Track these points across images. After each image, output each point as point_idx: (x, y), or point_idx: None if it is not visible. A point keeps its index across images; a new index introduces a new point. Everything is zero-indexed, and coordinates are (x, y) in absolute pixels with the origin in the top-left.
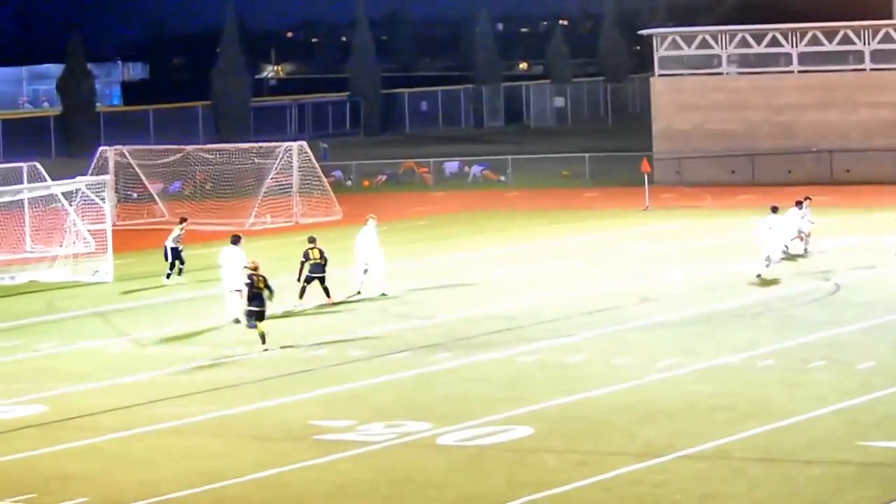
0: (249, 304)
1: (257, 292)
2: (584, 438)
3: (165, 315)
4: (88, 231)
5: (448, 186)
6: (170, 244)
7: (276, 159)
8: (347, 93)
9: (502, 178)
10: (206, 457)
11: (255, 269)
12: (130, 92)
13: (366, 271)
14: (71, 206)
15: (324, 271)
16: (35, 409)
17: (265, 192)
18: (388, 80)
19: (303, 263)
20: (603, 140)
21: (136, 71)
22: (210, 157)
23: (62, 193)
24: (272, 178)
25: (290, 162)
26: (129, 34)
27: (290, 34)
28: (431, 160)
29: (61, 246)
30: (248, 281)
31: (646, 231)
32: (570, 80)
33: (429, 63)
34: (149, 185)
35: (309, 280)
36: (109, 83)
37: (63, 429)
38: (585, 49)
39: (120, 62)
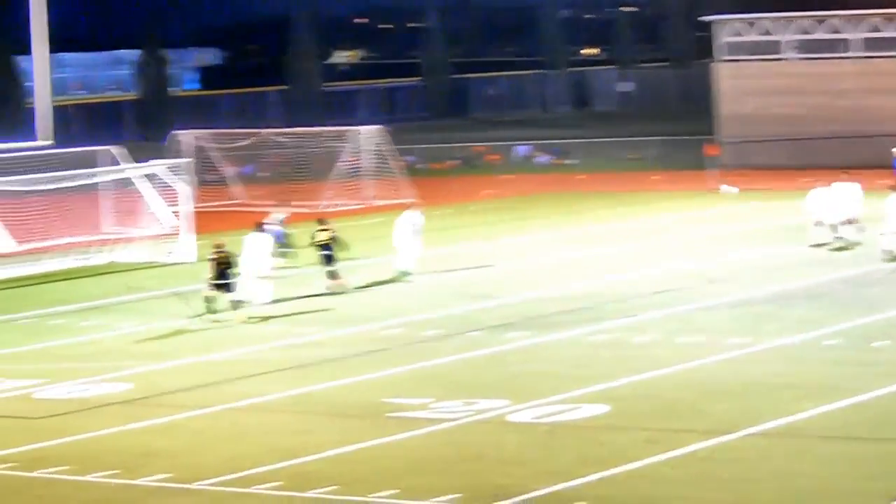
0: (218, 278)
1: (224, 269)
2: (653, 416)
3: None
4: (166, 213)
5: (517, 170)
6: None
7: (348, 143)
8: (417, 78)
9: (569, 162)
10: (284, 433)
11: (221, 247)
12: (205, 77)
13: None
14: (149, 188)
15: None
16: (120, 386)
17: (338, 176)
18: (457, 65)
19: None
20: (668, 124)
21: (211, 56)
22: (284, 140)
23: (140, 176)
24: (345, 162)
25: (365, 146)
26: (205, 20)
27: (361, 20)
28: (501, 144)
29: (139, 228)
30: (213, 258)
31: (711, 213)
32: (635, 66)
33: (496, 49)
34: (224, 168)
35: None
36: (185, 68)
37: (147, 406)
38: (650, 34)
39: (195, 48)
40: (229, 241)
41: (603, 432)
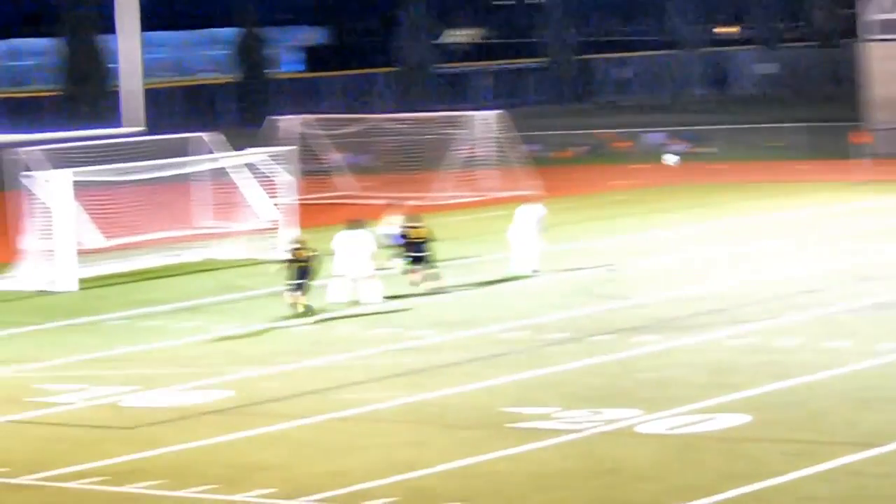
0: (295, 278)
1: (302, 266)
2: (799, 427)
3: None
4: (266, 205)
5: (649, 159)
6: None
7: (467, 129)
8: (541, 59)
9: (706, 150)
10: (395, 445)
11: (302, 243)
12: (310, 57)
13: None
14: (248, 178)
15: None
16: (218, 393)
17: (455, 165)
18: (583, 45)
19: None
20: (813, 109)
21: (317, 35)
22: (395, 126)
23: (238, 165)
24: (463, 150)
25: (483, 132)
26: None
27: None
28: (631, 130)
29: (237, 222)
30: (291, 255)
31: (861, 206)
32: (778, 46)
33: (626, 27)
34: (330, 157)
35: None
36: (288, 48)
37: (247, 415)
38: (794, 11)
39: (298, 26)
40: (329, 236)
41: (743, 444)
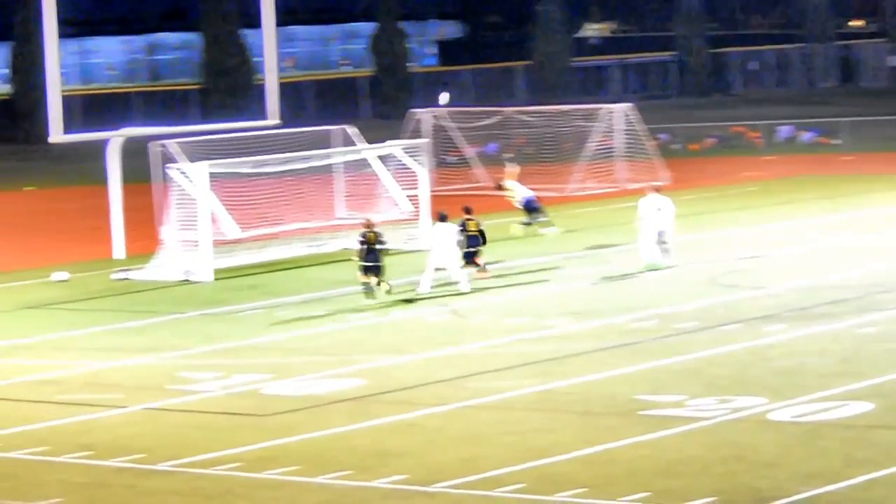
0: (364, 260)
1: (372, 248)
2: None
3: (487, 284)
4: (404, 197)
5: (779, 150)
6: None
7: (599, 121)
8: (673, 52)
9: (835, 142)
10: (528, 432)
11: (370, 226)
12: (445, 51)
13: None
14: (385, 170)
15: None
16: (352, 382)
17: (588, 156)
18: (715, 38)
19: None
20: None
21: (451, 29)
22: (530, 119)
23: (376, 157)
24: (595, 142)
25: (616, 124)
26: None
27: None
28: (762, 123)
29: (375, 213)
30: (362, 238)
31: None
32: None
33: (758, 21)
34: (465, 149)
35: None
36: (424, 42)
37: (380, 403)
38: None
39: (435, 20)
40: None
41: (872, 431)
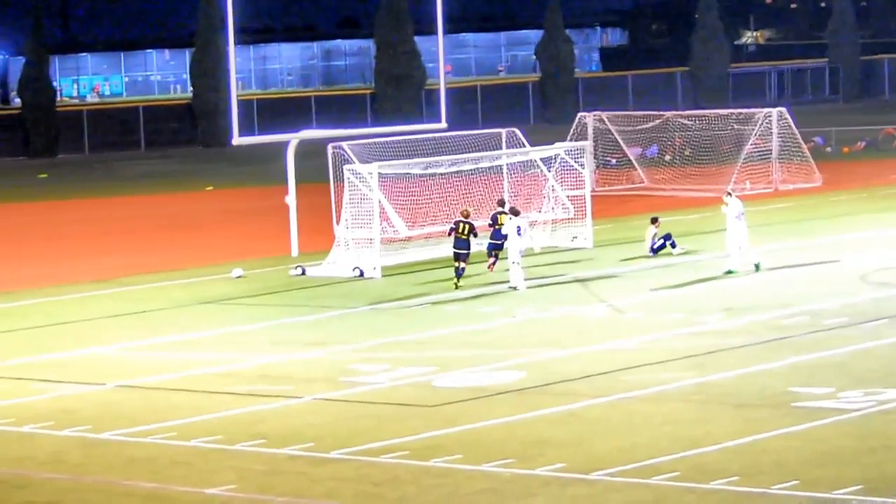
0: (456, 247)
1: (463, 238)
2: None
3: (643, 281)
4: (567, 197)
5: None
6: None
7: (755, 125)
8: (826, 59)
9: None
10: (683, 423)
11: (467, 216)
12: (608, 58)
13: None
14: (550, 171)
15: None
16: (514, 374)
17: (744, 159)
18: (868, 45)
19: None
20: None
21: (614, 37)
22: (689, 122)
23: (541, 159)
24: (751, 145)
25: (770, 128)
26: (609, 0)
27: (768, 0)
28: None
29: (541, 212)
30: (454, 227)
31: None
32: None
33: None
34: (627, 151)
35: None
36: (588, 49)
37: (541, 394)
38: None
39: (598, 28)
40: (628, 227)
41: None
